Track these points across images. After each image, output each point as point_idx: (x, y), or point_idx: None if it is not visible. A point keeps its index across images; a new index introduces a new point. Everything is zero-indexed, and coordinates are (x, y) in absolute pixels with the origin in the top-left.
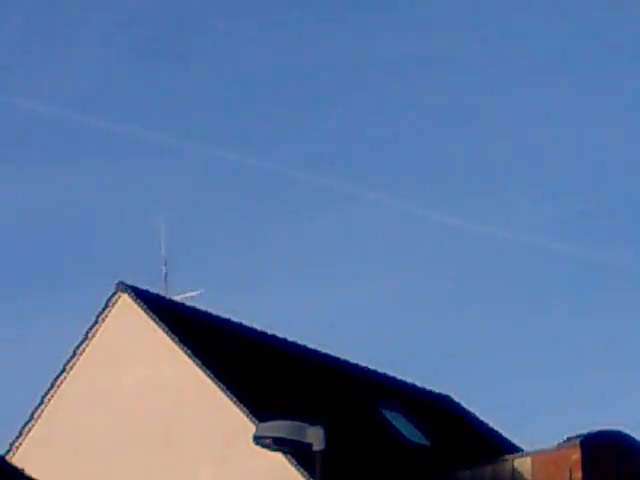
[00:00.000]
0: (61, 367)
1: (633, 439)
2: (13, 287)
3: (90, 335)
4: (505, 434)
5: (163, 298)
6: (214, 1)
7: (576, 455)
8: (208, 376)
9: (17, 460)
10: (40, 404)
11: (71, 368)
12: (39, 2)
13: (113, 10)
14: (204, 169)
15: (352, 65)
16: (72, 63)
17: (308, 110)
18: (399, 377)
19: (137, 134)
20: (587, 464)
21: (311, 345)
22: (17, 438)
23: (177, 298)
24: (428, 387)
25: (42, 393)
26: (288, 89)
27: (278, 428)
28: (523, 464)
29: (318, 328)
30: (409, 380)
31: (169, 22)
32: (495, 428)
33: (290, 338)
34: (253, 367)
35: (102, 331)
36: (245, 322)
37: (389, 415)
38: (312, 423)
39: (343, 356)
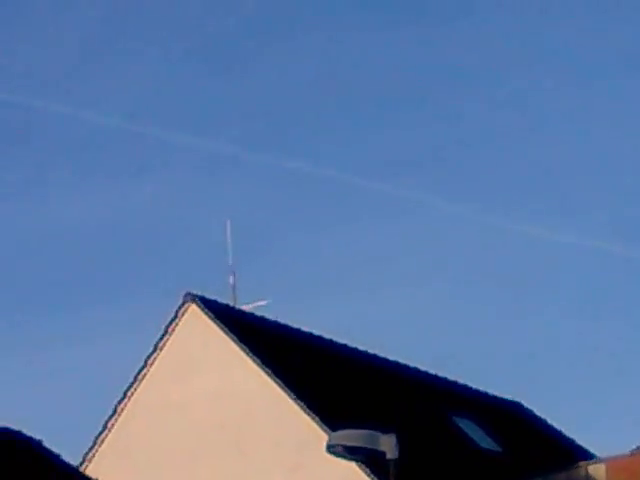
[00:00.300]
0: (133, 377)
1: None
2: (84, 299)
3: (160, 345)
4: (578, 440)
5: (231, 308)
6: (276, 10)
7: None
8: (278, 385)
9: (91, 471)
10: (113, 414)
11: (142, 378)
12: (98, 15)
13: (173, 21)
14: (269, 178)
15: (416, 73)
16: (135, 74)
17: (372, 118)
18: (470, 384)
19: (201, 145)
20: None
21: (381, 353)
22: (90, 449)
23: (245, 308)
24: (499, 394)
25: (114, 403)
26: (352, 98)
27: (351, 436)
28: (597, 470)
29: (387, 336)
30: (480, 387)
31: (230, 31)
32: (567, 434)
33: (359, 346)
34: (323, 375)
35: (172, 341)
36: (314, 331)
37: (461, 422)
38: (384, 431)
39: (413, 364)
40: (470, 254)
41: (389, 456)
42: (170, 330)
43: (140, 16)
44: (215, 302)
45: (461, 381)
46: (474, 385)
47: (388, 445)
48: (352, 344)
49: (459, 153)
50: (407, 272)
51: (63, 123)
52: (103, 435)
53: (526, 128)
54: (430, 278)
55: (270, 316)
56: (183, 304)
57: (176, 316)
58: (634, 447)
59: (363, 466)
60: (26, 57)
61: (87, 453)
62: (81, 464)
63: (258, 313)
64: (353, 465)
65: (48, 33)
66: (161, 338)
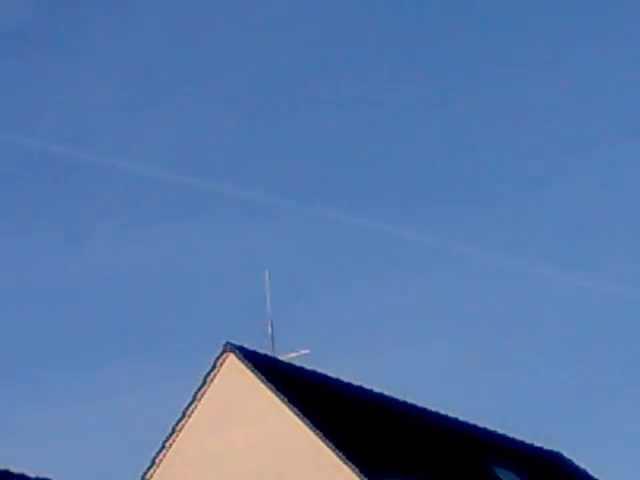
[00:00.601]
0: (171, 428)
1: None
2: (122, 349)
3: (199, 396)
4: None
5: (270, 358)
6: (307, 59)
7: None
8: (318, 435)
9: None
10: (151, 466)
11: (181, 429)
12: (139, 65)
13: (210, 72)
14: (309, 227)
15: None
16: (174, 124)
17: (413, 168)
18: (510, 434)
19: (241, 193)
20: None
21: (420, 404)
22: None
23: (284, 358)
24: (539, 444)
25: (153, 455)
26: (387, 146)
27: None
28: None
29: (427, 387)
30: (520, 437)
31: (266, 81)
32: None
33: (399, 397)
34: (363, 426)
35: (210, 391)
36: (353, 381)
37: (501, 473)
38: None
39: (453, 414)
40: (508, 307)
41: None
42: (209, 380)
43: (178, 67)
44: (254, 352)
45: (501, 431)
46: (514, 435)
47: None
48: (391, 394)
49: (494, 203)
50: (447, 323)
51: (104, 173)
52: None
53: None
54: (469, 330)
55: (309, 366)
56: (222, 354)
57: (215, 366)
58: None
59: None
60: (68, 108)
61: None
62: None
63: (297, 363)
64: None
65: (90, 83)
66: (200, 388)
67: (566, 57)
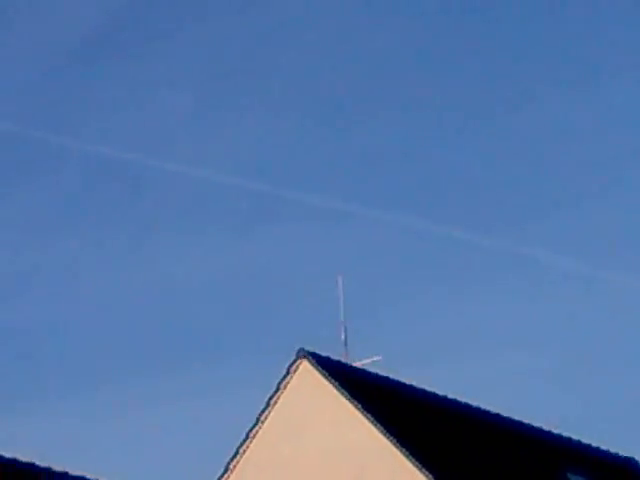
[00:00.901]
0: (245, 434)
1: None
2: (197, 356)
3: (272, 402)
4: None
5: (343, 364)
6: (384, 70)
7: None
8: (392, 442)
9: None
10: (225, 471)
11: (255, 435)
12: (212, 73)
13: (285, 77)
14: (382, 234)
15: (523, 131)
16: (246, 131)
17: (486, 174)
18: (584, 440)
19: (314, 200)
20: None
21: (494, 410)
22: None
23: (357, 364)
24: (613, 450)
25: (227, 461)
26: (461, 151)
27: None
28: None
29: (501, 393)
30: (594, 443)
31: (341, 89)
32: None
33: (473, 403)
34: (437, 433)
35: (284, 398)
36: (427, 387)
37: (574, 479)
38: None
39: (527, 420)
40: (586, 315)
41: None
42: (282, 387)
43: (250, 75)
44: (327, 358)
45: (575, 437)
46: (588, 441)
47: None
48: (465, 401)
49: (569, 209)
50: (520, 330)
51: (173, 181)
52: None
53: None
54: (542, 337)
55: (382, 372)
56: (295, 360)
57: (288, 372)
58: None
59: None
60: (137, 116)
61: None
62: None
63: (370, 369)
64: None
65: (163, 92)
66: (273, 395)
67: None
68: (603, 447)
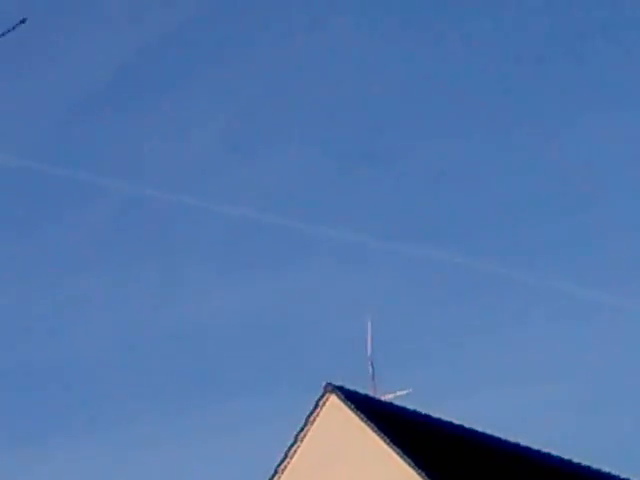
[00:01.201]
0: (273, 469)
1: None
2: (226, 391)
3: (301, 437)
4: None
5: (372, 398)
6: (403, 108)
7: None
8: (421, 476)
9: None
10: None
11: (283, 470)
12: (235, 109)
13: (307, 116)
14: (409, 269)
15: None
16: (270, 167)
17: (506, 206)
18: (622, 475)
19: (340, 236)
20: None
21: (524, 443)
22: None
23: (385, 398)
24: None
25: None
26: (485, 188)
27: None
28: None
29: (530, 426)
30: (622, 475)
31: (360, 127)
32: None
33: (503, 437)
34: (466, 466)
35: (313, 432)
36: (456, 421)
37: None
38: None
39: (557, 452)
40: (611, 345)
41: None
42: (311, 421)
43: (273, 111)
44: (355, 393)
45: (606, 469)
46: (627, 476)
47: None
48: (496, 434)
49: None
50: (547, 365)
51: (200, 217)
52: None
53: None
54: (568, 370)
55: (411, 406)
56: (323, 395)
57: (316, 406)
58: None
59: None
60: (162, 152)
61: None
62: None
63: (398, 403)
64: None
65: (191, 129)
66: (302, 429)
67: None
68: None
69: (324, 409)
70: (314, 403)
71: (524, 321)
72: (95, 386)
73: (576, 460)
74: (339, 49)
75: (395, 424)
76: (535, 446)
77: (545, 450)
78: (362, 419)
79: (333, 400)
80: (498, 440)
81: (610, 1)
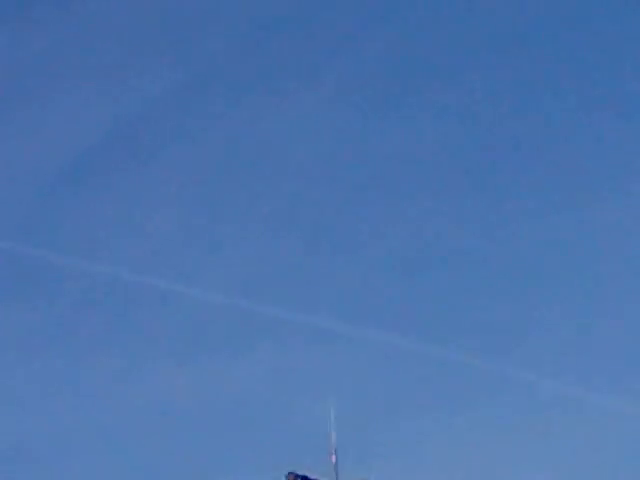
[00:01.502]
0: None
1: None
2: (189, 478)
3: None
4: None
5: None
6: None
7: None
8: None
9: None
10: None
11: None
12: (196, 193)
13: (270, 196)
14: (372, 354)
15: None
16: (238, 252)
17: (476, 296)
18: None
19: (307, 320)
20: None
21: None
22: None
23: None
24: None
25: None
26: (461, 276)
27: None
28: None
29: None
30: None
31: (332, 208)
32: None
33: None
34: None
35: None
36: None
37: None
38: None
39: None
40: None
41: None
42: None
43: (241, 198)
44: None
45: None
46: None
47: None
48: None
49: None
50: (517, 453)
51: (168, 300)
52: None
53: None
54: (542, 459)
55: None
56: None
57: None
58: None
59: None
60: (132, 235)
61: None
62: None
63: None
64: None
65: (151, 213)
66: None
67: None
68: None
69: None
70: None
71: (485, 410)
72: (57, 463)
73: None
74: (303, 134)
75: None
76: None
77: None
78: None
79: None
80: None
81: None
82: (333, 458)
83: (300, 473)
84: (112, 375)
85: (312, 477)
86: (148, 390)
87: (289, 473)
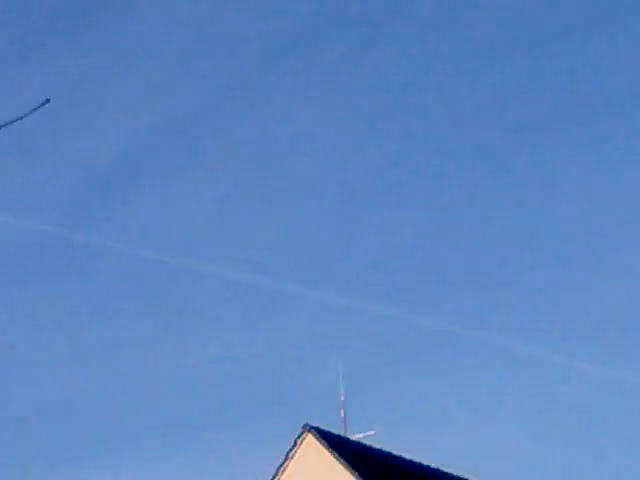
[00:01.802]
0: None
1: None
2: (215, 431)
3: (281, 470)
4: None
5: (343, 438)
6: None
7: None
8: None
9: None
10: None
11: None
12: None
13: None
14: (377, 325)
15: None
16: (257, 231)
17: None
18: None
19: (318, 295)
20: None
21: (476, 479)
22: None
23: (355, 437)
24: None
25: None
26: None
27: None
28: None
29: (494, 466)
30: None
31: (330, 199)
32: None
33: (461, 474)
34: None
35: (291, 466)
36: (416, 459)
37: None
38: None
39: None
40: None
41: None
42: (290, 457)
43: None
44: (329, 432)
45: None
46: None
47: None
48: (458, 473)
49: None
50: (498, 411)
51: (192, 279)
52: None
53: None
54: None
55: (377, 445)
56: (301, 434)
57: (295, 444)
58: None
59: None
60: (155, 213)
61: None
62: None
63: (367, 442)
64: None
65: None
66: (282, 464)
67: None
68: None
69: (302, 446)
70: (293, 441)
71: (476, 376)
72: (96, 424)
73: None
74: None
75: (363, 461)
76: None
77: None
78: (334, 456)
79: (310, 438)
80: (456, 477)
81: None
82: (342, 412)
83: (314, 425)
84: (150, 341)
85: (324, 429)
86: (180, 359)
87: (305, 425)
